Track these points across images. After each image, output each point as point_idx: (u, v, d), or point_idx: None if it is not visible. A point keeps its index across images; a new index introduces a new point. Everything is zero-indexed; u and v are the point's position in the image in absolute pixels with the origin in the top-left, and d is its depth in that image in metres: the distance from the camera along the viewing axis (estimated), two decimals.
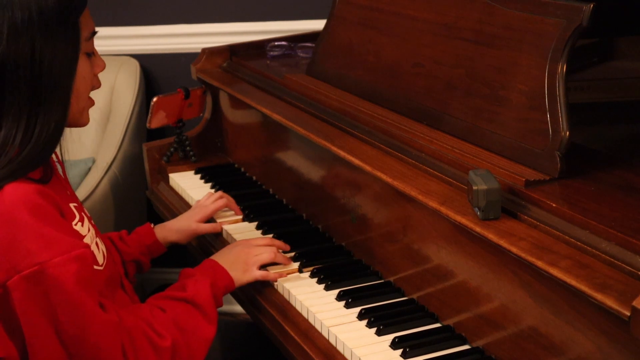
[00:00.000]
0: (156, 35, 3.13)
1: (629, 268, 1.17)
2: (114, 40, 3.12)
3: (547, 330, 1.29)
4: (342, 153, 1.74)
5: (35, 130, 1.41)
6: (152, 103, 2.34)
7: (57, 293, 1.37)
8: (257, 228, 2.00)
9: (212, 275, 1.65)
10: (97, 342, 1.40)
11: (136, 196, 2.94)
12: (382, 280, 1.72)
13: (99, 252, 1.57)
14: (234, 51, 2.54)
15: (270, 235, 1.94)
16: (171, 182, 2.39)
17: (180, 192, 2.33)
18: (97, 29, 1.55)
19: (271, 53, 2.52)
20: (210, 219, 2.05)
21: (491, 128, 1.57)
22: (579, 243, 1.26)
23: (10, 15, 1.39)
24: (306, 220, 2.03)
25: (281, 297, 1.73)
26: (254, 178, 2.32)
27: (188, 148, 2.46)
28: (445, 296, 1.53)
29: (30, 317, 1.37)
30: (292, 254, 1.84)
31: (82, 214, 1.56)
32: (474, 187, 1.37)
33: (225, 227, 2.02)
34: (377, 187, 1.69)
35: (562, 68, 1.45)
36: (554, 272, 1.20)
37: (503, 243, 1.30)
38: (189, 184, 2.33)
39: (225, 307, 2.76)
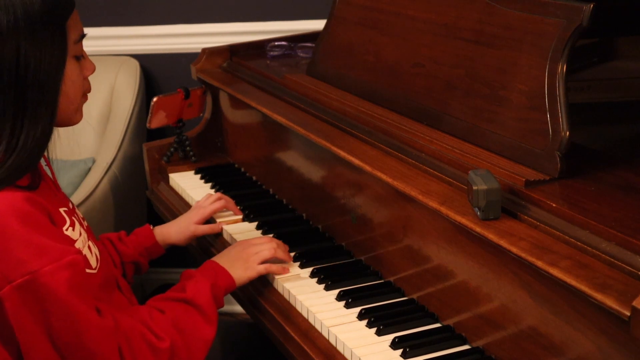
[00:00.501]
0: (156, 35, 3.13)
1: (629, 268, 1.17)
2: (114, 40, 3.12)
3: (547, 330, 1.29)
4: (342, 153, 1.74)
5: (21, 136, 1.38)
6: (152, 103, 2.34)
7: (50, 301, 1.36)
8: (257, 228, 2.00)
9: (212, 275, 1.65)
10: (93, 348, 1.39)
11: (136, 196, 2.94)
12: (382, 280, 1.72)
13: (92, 255, 1.56)
14: (234, 51, 2.54)
15: (271, 235, 1.94)
16: (171, 182, 2.39)
17: (180, 192, 2.33)
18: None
19: (271, 53, 2.52)
20: (209, 220, 2.05)
21: (491, 128, 1.57)
22: (579, 243, 1.26)
23: None
24: (306, 220, 2.03)
25: (281, 297, 1.73)
26: (254, 178, 2.32)
27: (188, 148, 2.46)
28: (445, 296, 1.53)
29: (24, 326, 1.37)
30: (292, 254, 1.84)
31: (73, 218, 1.54)
32: (474, 187, 1.37)
33: (225, 227, 2.02)
34: (377, 187, 1.69)
35: (562, 68, 1.45)
36: (554, 272, 1.20)
37: (503, 243, 1.30)
38: (189, 184, 2.33)
39: (225, 307, 2.75)
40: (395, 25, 1.90)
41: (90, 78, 1.56)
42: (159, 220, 2.26)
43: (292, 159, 2.08)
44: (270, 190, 2.23)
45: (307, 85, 2.09)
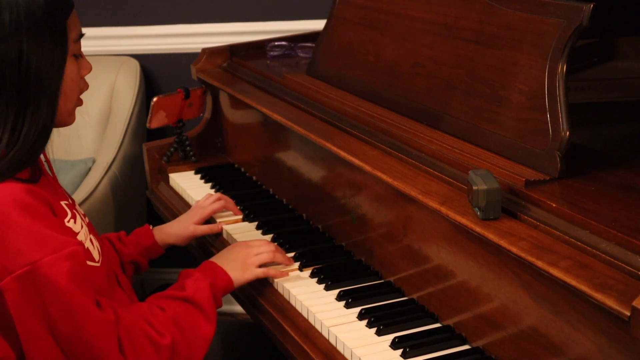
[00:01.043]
0: (156, 35, 3.13)
1: (629, 268, 1.17)
2: (114, 40, 3.12)
3: (547, 330, 1.29)
4: (342, 153, 1.74)
5: (23, 130, 1.40)
6: (152, 103, 2.34)
7: (50, 292, 1.36)
8: (257, 228, 2.00)
9: (211, 275, 1.65)
10: (92, 341, 1.39)
11: (136, 196, 2.94)
12: (382, 280, 1.72)
13: (94, 248, 1.57)
14: (234, 51, 2.54)
15: (270, 235, 1.94)
16: (171, 182, 2.39)
17: (180, 192, 2.33)
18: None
19: (271, 53, 2.52)
20: (209, 220, 2.05)
21: (491, 128, 1.57)
22: (579, 243, 1.26)
23: None
24: (306, 220, 2.03)
25: (281, 297, 1.73)
26: (254, 178, 2.32)
27: (188, 148, 2.46)
28: (445, 296, 1.53)
29: (24, 318, 1.37)
30: (292, 254, 1.84)
31: (74, 211, 1.56)
32: (474, 187, 1.37)
33: (226, 227, 2.02)
34: (377, 187, 1.69)
35: (562, 68, 1.45)
36: (554, 272, 1.21)
37: (503, 243, 1.30)
38: (189, 184, 2.33)
39: (225, 307, 2.76)
40: (396, 25, 1.90)
41: (90, 78, 1.57)
42: (159, 220, 2.26)
43: (292, 159, 2.08)
44: (270, 190, 2.23)
45: (307, 85, 2.09)
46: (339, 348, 1.52)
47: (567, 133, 1.42)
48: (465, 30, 1.69)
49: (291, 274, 1.78)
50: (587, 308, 1.19)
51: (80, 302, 1.38)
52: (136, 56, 3.10)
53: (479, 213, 1.37)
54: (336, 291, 1.68)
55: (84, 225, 1.57)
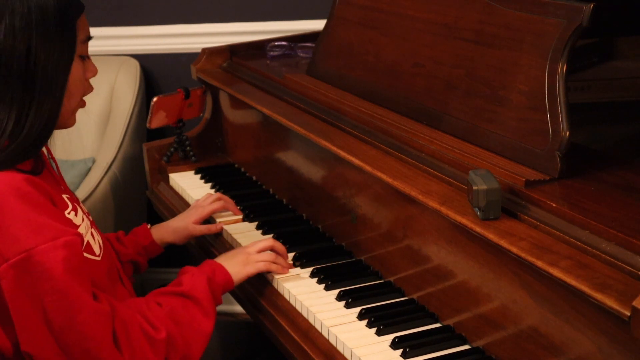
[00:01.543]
0: (156, 35, 3.13)
1: (629, 268, 1.17)
2: (114, 40, 3.12)
3: (547, 330, 1.29)
4: (342, 153, 1.74)
5: (26, 125, 1.42)
6: (152, 103, 2.34)
7: (44, 280, 1.36)
8: (257, 228, 2.00)
9: (209, 270, 1.65)
10: (86, 331, 1.38)
11: (136, 196, 2.94)
12: (382, 280, 1.72)
13: (95, 242, 1.57)
14: (234, 51, 2.54)
15: (270, 235, 1.94)
16: (171, 182, 2.39)
17: (180, 192, 2.33)
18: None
19: (271, 53, 2.52)
20: (208, 219, 2.05)
21: (491, 128, 1.57)
22: (579, 243, 1.26)
23: (10, 11, 1.41)
24: (306, 220, 2.03)
25: (281, 297, 1.73)
26: (254, 178, 2.32)
27: (188, 148, 2.46)
28: (445, 296, 1.53)
29: (19, 306, 1.37)
30: (292, 253, 1.84)
31: (76, 204, 1.56)
32: (474, 187, 1.37)
33: (226, 227, 2.02)
34: (377, 187, 1.69)
35: (562, 68, 1.45)
36: (554, 272, 1.21)
37: (503, 243, 1.30)
38: (189, 184, 2.33)
39: (225, 307, 2.76)
40: (395, 25, 1.90)
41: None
42: (159, 220, 2.25)
43: (292, 159, 2.08)
44: (270, 190, 2.23)
45: (307, 85, 2.09)
46: (339, 348, 1.52)
47: (567, 133, 1.42)
48: (465, 30, 1.69)
49: (291, 273, 1.78)
50: (587, 308, 1.19)
51: (74, 291, 1.38)
52: (136, 56, 3.10)
53: (479, 213, 1.37)
54: (336, 291, 1.68)
55: (86, 219, 1.58)
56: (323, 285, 1.71)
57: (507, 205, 1.39)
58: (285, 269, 1.77)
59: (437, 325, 1.55)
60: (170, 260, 2.59)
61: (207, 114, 2.52)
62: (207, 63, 2.49)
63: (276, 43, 2.54)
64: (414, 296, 1.63)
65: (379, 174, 1.62)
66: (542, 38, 1.50)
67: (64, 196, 1.54)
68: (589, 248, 1.24)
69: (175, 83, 2.65)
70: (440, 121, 1.69)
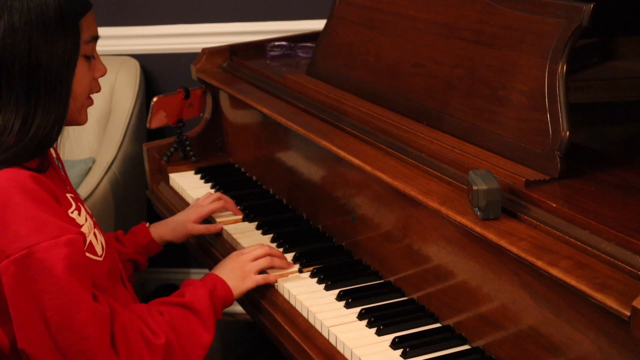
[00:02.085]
0: (156, 35, 3.13)
1: (629, 268, 1.17)
2: (114, 40, 3.12)
3: (547, 330, 1.29)
4: (342, 153, 1.74)
5: (33, 125, 1.42)
6: (152, 103, 2.34)
7: (45, 278, 1.35)
8: (257, 228, 2.00)
9: (210, 284, 1.65)
10: (84, 331, 1.37)
11: (136, 196, 2.94)
12: (382, 280, 1.72)
13: (97, 242, 1.57)
14: (234, 51, 2.53)
15: (270, 235, 1.94)
16: (171, 182, 2.39)
17: (180, 192, 2.33)
18: (97, 28, 1.54)
19: (271, 53, 2.52)
20: (208, 219, 2.04)
21: (491, 128, 1.57)
22: (579, 243, 1.26)
23: (8, 10, 1.40)
24: (306, 220, 2.03)
25: (281, 297, 1.73)
26: (254, 178, 2.32)
27: (188, 148, 2.46)
28: (445, 296, 1.53)
29: (18, 303, 1.36)
30: (292, 253, 1.84)
31: (79, 204, 1.56)
32: (474, 187, 1.37)
33: (226, 227, 2.02)
34: (377, 187, 1.69)
35: (562, 68, 1.45)
36: (554, 272, 1.20)
37: (503, 243, 1.30)
38: (189, 184, 2.33)
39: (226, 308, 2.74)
40: (395, 25, 1.90)
41: None
42: (159, 220, 2.25)
43: (292, 159, 2.08)
44: (270, 190, 2.22)
45: (307, 85, 2.09)
46: (339, 348, 1.52)
47: (567, 133, 1.42)
48: (465, 30, 1.69)
49: (291, 273, 1.78)
50: (587, 308, 1.19)
51: (74, 290, 1.37)
52: (136, 56, 3.10)
53: (479, 213, 1.37)
54: (336, 291, 1.68)
55: (89, 219, 1.57)
56: (323, 285, 1.71)
57: (507, 205, 1.39)
58: (284, 275, 1.76)
59: (437, 325, 1.55)
60: (170, 261, 2.59)
61: (207, 114, 2.51)
62: (207, 63, 2.49)
63: (276, 43, 2.54)
64: (414, 296, 1.63)
65: (379, 174, 1.62)
66: (542, 38, 1.50)
67: (69, 195, 1.54)
68: (589, 248, 1.24)
69: (175, 83, 2.65)
70: (440, 121, 1.69)
